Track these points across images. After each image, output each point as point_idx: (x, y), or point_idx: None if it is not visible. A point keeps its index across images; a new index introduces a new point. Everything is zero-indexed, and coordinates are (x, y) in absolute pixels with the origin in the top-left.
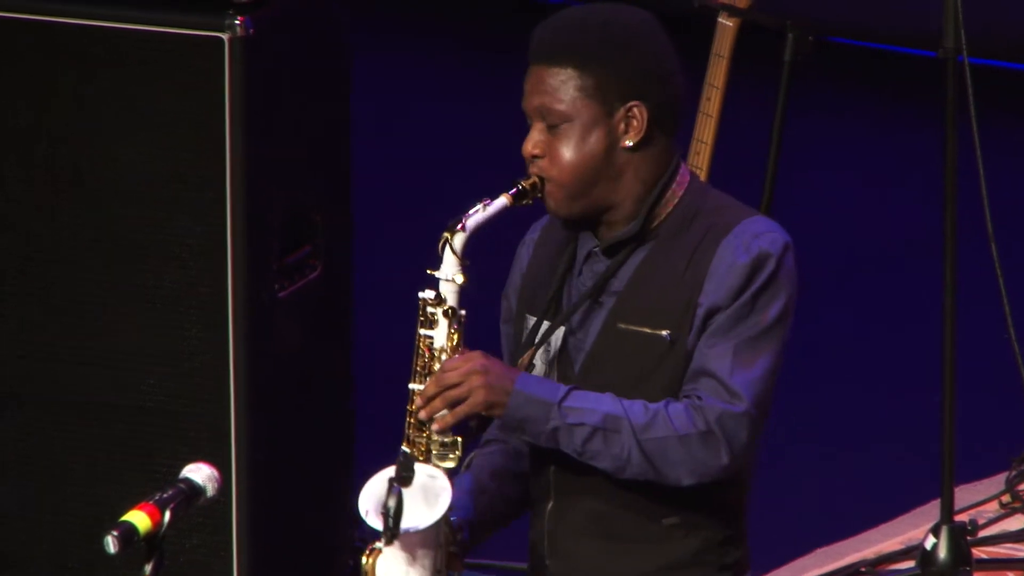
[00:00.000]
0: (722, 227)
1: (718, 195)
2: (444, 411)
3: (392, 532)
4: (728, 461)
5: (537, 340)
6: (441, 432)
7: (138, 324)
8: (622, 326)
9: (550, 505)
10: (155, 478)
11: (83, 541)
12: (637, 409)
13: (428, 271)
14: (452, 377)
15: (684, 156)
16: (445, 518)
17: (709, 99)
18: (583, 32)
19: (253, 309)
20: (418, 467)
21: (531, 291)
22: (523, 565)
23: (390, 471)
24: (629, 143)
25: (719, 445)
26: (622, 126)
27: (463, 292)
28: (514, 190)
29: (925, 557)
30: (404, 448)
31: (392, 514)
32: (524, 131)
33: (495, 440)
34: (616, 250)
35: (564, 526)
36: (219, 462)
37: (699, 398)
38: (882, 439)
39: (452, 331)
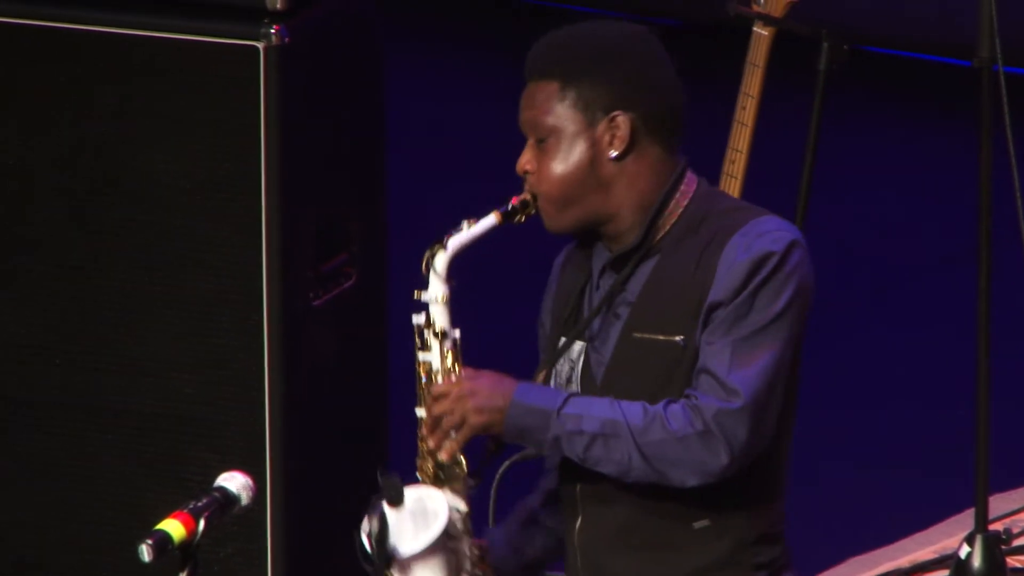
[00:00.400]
0: (729, 228)
1: (729, 199)
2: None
3: (380, 556)
4: (728, 460)
5: (552, 356)
6: (451, 459)
7: (173, 332)
8: (637, 335)
9: (579, 521)
10: (189, 486)
11: (117, 549)
12: (635, 412)
13: (415, 294)
14: (443, 406)
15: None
16: (475, 542)
17: (744, 108)
18: (569, 46)
19: (288, 317)
20: (416, 489)
21: (555, 308)
22: None
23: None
24: (614, 153)
25: (718, 444)
26: (606, 137)
27: (455, 309)
28: (504, 207)
29: (959, 566)
30: (383, 471)
31: (376, 538)
32: None
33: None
34: (623, 263)
35: (594, 540)
36: (253, 471)
37: (696, 397)
38: (917, 448)
39: (445, 353)
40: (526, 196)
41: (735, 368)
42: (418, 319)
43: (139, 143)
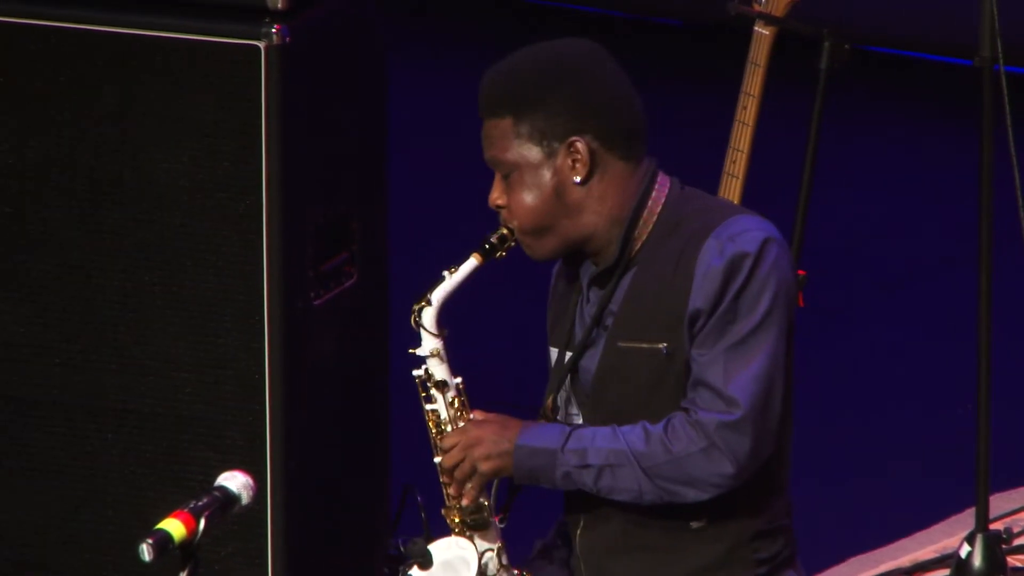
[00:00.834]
0: (703, 231)
1: (701, 197)
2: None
3: None
4: (735, 470)
5: (556, 381)
6: (473, 504)
7: (173, 332)
8: (622, 344)
9: (580, 526)
10: (190, 486)
11: (118, 548)
12: (637, 437)
13: (410, 351)
14: (453, 458)
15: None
16: (516, 573)
17: (745, 108)
18: (515, 79)
19: (288, 317)
20: (445, 541)
21: (552, 324)
22: None
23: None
24: (578, 179)
25: (723, 457)
26: (567, 163)
27: (452, 358)
28: (484, 247)
29: (960, 565)
30: (407, 542)
31: None
32: None
33: None
34: (606, 279)
35: (596, 547)
36: (254, 470)
37: (696, 412)
38: (917, 448)
39: (450, 401)
40: (503, 231)
41: (731, 378)
42: (418, 372)
43: (139, 143)
